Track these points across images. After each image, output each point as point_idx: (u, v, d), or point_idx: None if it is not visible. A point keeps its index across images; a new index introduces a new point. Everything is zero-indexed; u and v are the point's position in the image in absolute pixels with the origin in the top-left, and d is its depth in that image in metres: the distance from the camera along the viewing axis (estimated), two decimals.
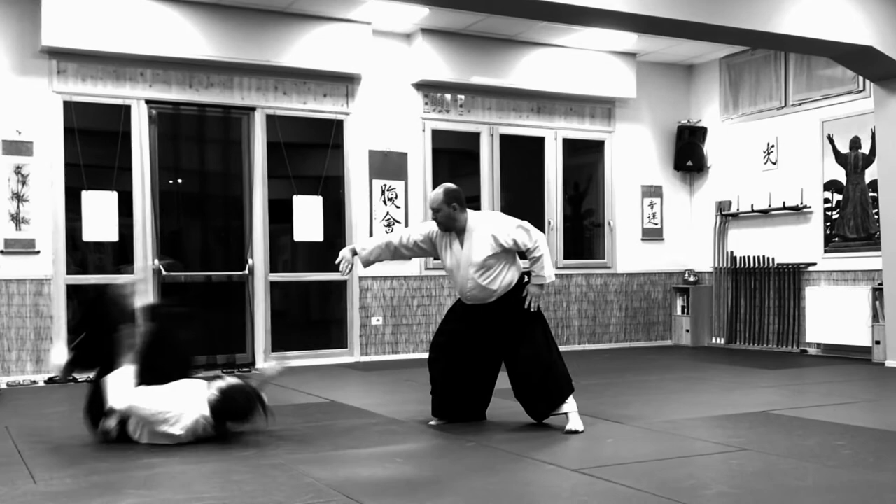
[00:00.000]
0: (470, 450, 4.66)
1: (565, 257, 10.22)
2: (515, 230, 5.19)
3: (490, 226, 5.23)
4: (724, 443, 4.75)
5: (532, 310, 5.23)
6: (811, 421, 5.39)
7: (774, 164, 9.91)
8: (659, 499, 3.59)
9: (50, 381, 7.66)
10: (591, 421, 5.36)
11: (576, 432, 5.06)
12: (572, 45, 9.80)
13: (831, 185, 9.30)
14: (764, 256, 9.98)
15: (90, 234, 7.97)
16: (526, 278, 5.28)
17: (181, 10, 8.09)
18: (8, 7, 7.74)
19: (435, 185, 9.42)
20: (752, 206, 10.09)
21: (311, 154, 9.19)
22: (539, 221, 10.11)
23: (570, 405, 5.20)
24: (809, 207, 9.48)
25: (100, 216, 7.98)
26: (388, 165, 9.29)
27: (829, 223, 9.31)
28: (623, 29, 7.83)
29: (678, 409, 5.90)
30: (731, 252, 10.39)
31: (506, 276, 5.23)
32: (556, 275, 9.48)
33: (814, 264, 9.45)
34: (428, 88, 9.50)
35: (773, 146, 9.92)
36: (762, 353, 9.59)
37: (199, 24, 8.17)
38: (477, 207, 9.70)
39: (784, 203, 9.68)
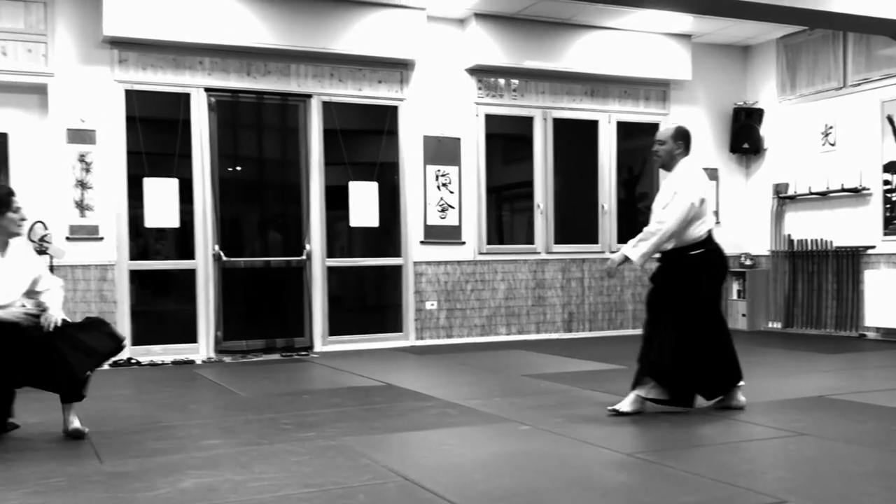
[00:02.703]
0: (524, 433, 4.70)
1: (619, 241, 10.18)
2: (672, 194, 5.08)
3: (672, 180, 5.18)
4: (782, 427, 4.73)
5: (606, 273, 5.26)
6: (870, 406, 5.34)
7: (832, 145, 9.76)
8: (716, 483, 3.60)
9: (115, 364, 7.86)
10: (646, 406, 5.35)
11: (617, 413, 5.09)
12: (626, 28, 9.73)
13: (891, 167, 9.13)
14: (822, 239, 9.85)
15: (152, 220, 8.14)
16: (696, 251, 5.09)
17: None
18: None
19: (489, 171, 9.56)
20: (809, 188, 9.95)
21: (366, 140, 9.27)
22: (592, 205, 10.10)
23: (642, 390, 5.15)
24: (868, 190, 9.33)
25: (161, 203, 8.14)
26: (442, 151, 9.33)
27: (888, 205, 9.16)
28: (679, 10, 7.77)
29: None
30: (789, 235, 10.27)
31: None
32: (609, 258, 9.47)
33: (873, 247, 9.31)
34: (481, 73, 9.51)
35: (831, 127, 9.78)
36: (820, 338, 9.49)
37: (257, 12, 8.27)
38: (530, 193, 9.73)
39: (842, 185, 9.54)
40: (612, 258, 5.25)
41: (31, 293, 4.85)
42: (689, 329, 5.08)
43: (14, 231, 4.76)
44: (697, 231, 5.10)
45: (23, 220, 4.80)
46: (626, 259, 5.17)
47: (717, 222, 10.57)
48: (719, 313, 5.26)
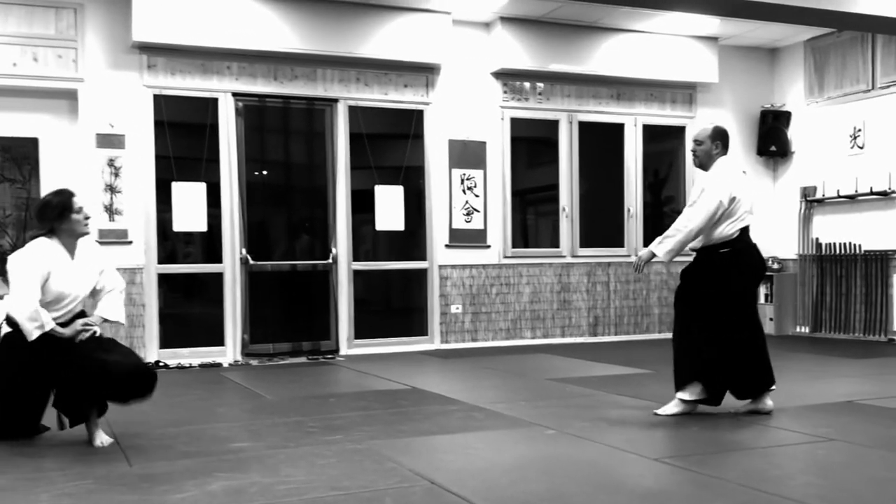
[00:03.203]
0: (550, 437, 4.70)
1: (645, 245, 10.13)
2: (700, 191, 5.11)
3: (704, 178, 5.21)
4: (810, 433, 4.70)
5: (634, 269, 5.35)
6: None
7: (861, 148, 9.69)
8: (744, 489, 3.58)
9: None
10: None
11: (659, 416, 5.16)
12: (653, 31, 9.71)
13: None
14: (850, 243, 9.78)
15: (180, 224, 8.20)
16: (725, 249, 5.12)
17: (266, 4, 8.26)
18: (100, 5, 7.99)
19: (514, 174, 9.56)
20: (837, 191, 9.88)
21: (392, 144, 9.30)
22: (618, 209, 10.08)
23: (685, 394, 5.19)
24: None
25: (189, 207, 8.21)
26: (468, 154, 9.35)
27: None
28: (706, 12, 7.75)
29: None
30: (816, 239, 10.19)
31: (705, 234, 5.13)
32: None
33: None
34: (507, 77, 9.52)
35: (859, 130, 9.70)
36: (848, 342, 9.41)
37: (284, 17, 8.32)
38: (556, 196, 9.72)
39: (871, 188, 9.47)
40: (640, 255, 5.29)
41: (92, 291, 4.92)
42: (720, 327, 5.09)
43: (81, 231, 4.82)
44: (728, 230, 5.10)
45: (87, 218, 4.84)
46: (653, 255, 5.20)
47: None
48: (753, 314, 5.23)
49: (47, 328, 4.60)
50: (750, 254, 5.20)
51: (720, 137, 5.29)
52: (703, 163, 5.30)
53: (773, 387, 5.25)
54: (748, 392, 5.23)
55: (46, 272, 4.66)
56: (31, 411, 4.89)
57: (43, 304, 4.64)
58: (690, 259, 5.35)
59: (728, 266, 5.11)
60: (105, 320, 4.91)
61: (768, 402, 5.23)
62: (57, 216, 4.74)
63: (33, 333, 4.59)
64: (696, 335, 5.13)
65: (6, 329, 4.81)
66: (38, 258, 4.67)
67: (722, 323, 5.10)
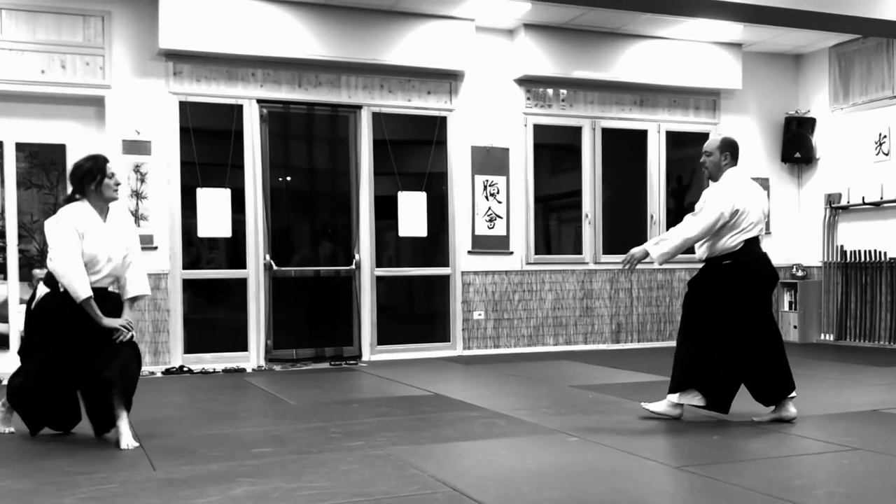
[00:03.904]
0: (573, 445, 4.70)
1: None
2: (703, 202, 5.20)
3: (711, 189, 5.28)
4: (835, 442, 4.67)
5: (622, 267, 5.35)
6: None
7: (887, 154, 9.62)
8: (767, 498, 3.57)
9: (167, 371, 7.99)
10: (697, 417, 5.33)
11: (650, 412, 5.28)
12: (676, 37, 9.69)
13: None
14: (876, 250, 9.71)
15: (205, 230, 8.27)
16: (727, 261, 5.18)
17: (291, 11, 8.31)
18: (127, 13, 8.08)
19: (537, 181, 9.56)
20: (863, 198, 9.82)
21: (415, 151, 9.32)
22: (641, 216, 10.05)
23: (671, 397, 5.26)
24: None
25: (214, 213, 8.27)
26: (491, 161, 9.36)
27: None
28: (730, 19, 7.72)
29: None
30: (841, 246, 10.13)
31: (709, 243, 5.21)
32: (660, 269, 9.44)
33: None
34: (530, 83, 9.53)
35: (885, 136, 9.64)
36: (874, 350, 9.34)
37: (308, 24, 8.38)
38: (578, 202, 9.72)
39: None
40: (634, 251, 5.30)
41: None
42: (724, 336, 5.13)
43: (110, 196, 4.95)
44: (731, 241, 5.15)
45: (118, 184, 5.00)
46: (647, 255, 5.26)
47: (768, 232, 10.49)
48: (765, 322, 5.23)
49: (87, 296, 4.70)
50: (755, 265, 5.20)
51: (729, 148, 5.32)
52: (713, 174, 5.36)
53: (793, 394, 5.23)
54: (768, 398, 5.23)
55: (80, 234, 4.79)
56: (63, 391, 4.95)
57: None
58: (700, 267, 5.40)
59: (732, 277, 5.16)
60: (135, 299, 5.05)
61: (791, 410, 5.21)
62: (89, 180, 4.90)
63: (80, 293, 4.70)
64: (698, 343, 5.20)
65: (43, 290, 4.89)
66: (72, 220, 4.81)
67: (726, 332, 5.14)
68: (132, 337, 4.91)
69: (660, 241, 5.22)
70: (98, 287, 4.85)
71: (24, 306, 7.28)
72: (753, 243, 5.20)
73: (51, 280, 4.85)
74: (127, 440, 4.73)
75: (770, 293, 5.35)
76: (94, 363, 4.78)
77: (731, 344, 5.14)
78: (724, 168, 5.30)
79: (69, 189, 5.03)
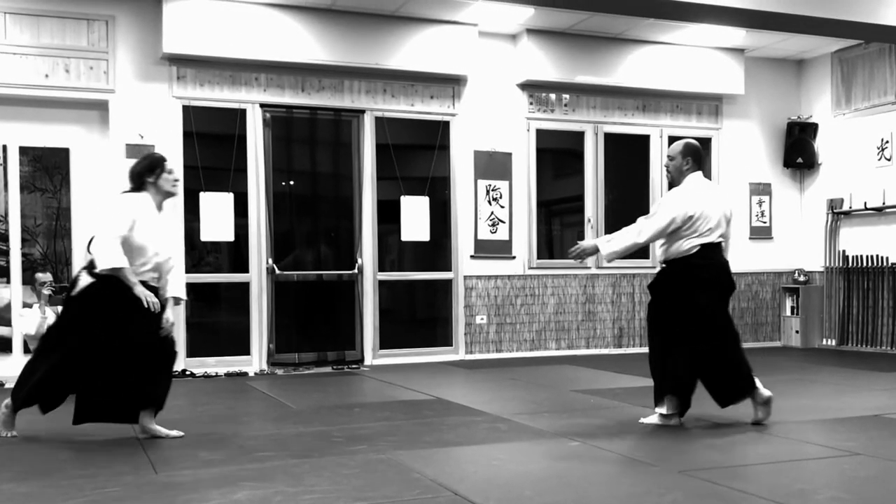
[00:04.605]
0: (574, 449, 4.70)
1: None
2: (658, 205, 5.33)
3: (669, 193, 5.40)
4: (836, 447, 4.67)
5: (571, 256, 5.42)
6: None
7: (889, 160, 9.62)
8: (769, 503, 3.57)
9: None
10: (697, 422, 5.34)
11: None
12: (678, 42, 9.70)
13: None
14: (878, 256, 9.71)
15: (207, 234, 8.28)
16: (681, 264, 5.25)
17: (294, 16, 8.33)
18: (131, 17, 8.10)
19: (539, 185, 9.57)
20: (865, 203, 9.82)
21: (418, 155, 9.34)
22: None
23: (658, 409, 5.30)
24: None
25: (216, 217, 8.28)
26: (493, 166, 9.37)
27: None
28: (732, 24, 7.73)
29: (787, 412, 5.80)
30: (843, 251, 10.13)
31: (666, 247, 5.31)
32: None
33: None
34: (533, 88, 9.55)
35: (887, 142, 9.64)
36: (875, 355, 9.33)
37: (311, 29, 8.39)
38: (581, 207, 9.72)
39: None
40: (584, 245, 5.39)
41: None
42: (682, 340, 5.18)
43: (169, 190, 5.10)
44: (686, 245, 5.22)
45: (176, 180, 5.16)
46: (597, 249, 5.34)
47: (771, 237, 10.50)
48: (721, 324, 5.26)
49: (121, 265, 4.78)
50: (709, 270, 5.23)
51: (691, 154, 5.37)
52: (675, 178, 5.41)
53: (756, 390, 5.24)
54: (724, 398, 5.27)
55: (133, 220, 4.88)
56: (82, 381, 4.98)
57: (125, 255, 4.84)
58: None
59: (684, 281, 5.22)
60: (178, 300, 5.21)
61: (763, 392, 5.26)
62: (149, 172, 5.04)
63: (105, 263, 4.78)
64: (663, 351, 5.26)
65: (86, 279, 4.93)
66: (129, 206, 4.95)
67: (684, 336, 5.18)
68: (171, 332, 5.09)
69: (611, 240, 5.32)
70: (142, 280, 4.91)
71: (27, 309, 7.35)
72: (711, 249, 5.25)
73: (94, 268, 4.90)
74: (167, 432, 5.02)
75: (726, 299, 5.37)
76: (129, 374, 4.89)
77: (690, 349, 5.17)
78: (686, 173, 5.36)
79: (128, 185, 5.12)
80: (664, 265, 5.36)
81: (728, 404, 5.29)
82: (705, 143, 10.27)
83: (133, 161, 5.22)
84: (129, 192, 5.07)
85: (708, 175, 10.22)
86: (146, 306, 4.83)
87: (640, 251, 9.88)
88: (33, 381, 4.97)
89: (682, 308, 5.19)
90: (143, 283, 4.91)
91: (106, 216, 4.99)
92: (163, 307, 5.03)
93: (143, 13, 8.12)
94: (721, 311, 5.29)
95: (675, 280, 5.26)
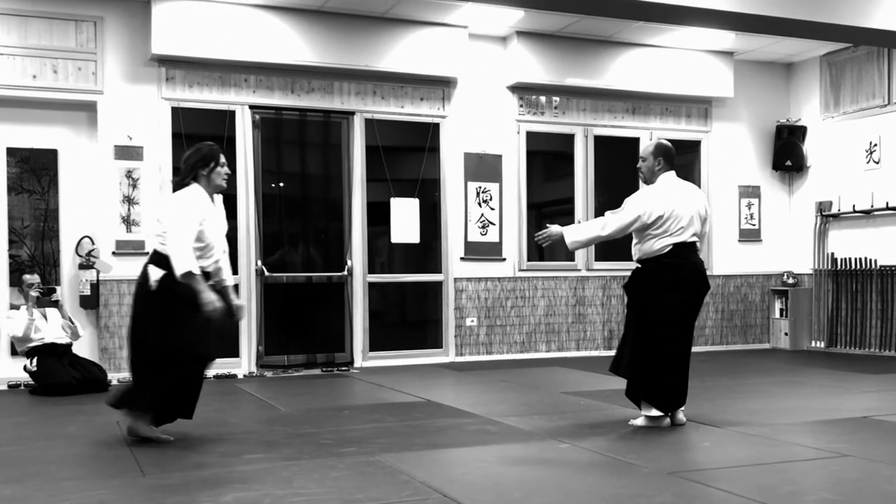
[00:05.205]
0: (564, 451, 4.70)
1: None
2: (625, 202, 5.36)
3: (638, 192, 5.45)
4: (824, 448, 4.68)
5: (536, 239, 5.44)
6: None
7: (877, 163, 9.66)
8: None
9: None
10: (687, 424, 5.34)
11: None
12: (668, 45, 9.73)
13: None
14: (866, 258, 9.74)
15: None
16: (652, 264, 5.28)
17: (283, 17, 8.32)
18: (120, 18, 8.07)
19: (529, 187, 9.58)
20: (853, 206, 9.85)
21: (408, 157, 9.33)
22: None
23: (644, 412, 5.32)
24: None
25: None
26: (483, 168, 9.37)
27: None
28: (722, 27, 7.75)
29: (776, 414, 5.83)
30: (832, 254, 10.16)
31: (639, 246, 5.34)
32: None
33: None
34: (523, 91, 9.55)
35: (875, 145, 9.68)
36: (863, 358, 9.37)
37: (301, 31, 8.38)
38: (571, 209, 9.73)
39: (887, 203, 9.43)
40: (551, 230, 5.40)
41: None
42: (651, 342, 5.21)
43: (220, 184, 5.09)
44: (657, 245, 5.25)
45: (228, 174, 5.13)
46: (563, 237, 5.36)
47: (761, 240, 10.53)
48: (683, 330, 5.29)
49: (196, 271, 4.74)
50: (680, 269, 5.24)
51: (663, 154, 5.40)
52: (647, 178, 5.45)
53: (682, 408, 5.34)
54: (669, 405, 5.30)
55: (201, 218, 4.87)
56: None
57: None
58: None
59: (655, 281, 5.24)
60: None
61: (680, 416, 5.32)
62: (203, 165, 5.01)
63: (181, 268, 4.72)
64: (636, 354, 5.28)
65: (157, 273, 4.85)
66: (198, 203, 4.90)
67: (652, 338, 5.21)
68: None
69: (577, 230, 5.38)
70: (205, 271, 4.93)
71: (14, 311, 7.32)
72: (684, 248, 5.26)
73: (162, 260, 4.84)
74: (158, 434, 5.05)
75: (698, 300, 5.37)
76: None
77: (657, 351, 5.20)
78: (658, 173, 5.38)
79: (180, 174, 5.09)
80: (638, 265, 5.38)
81: (669, 411, 5.30)
82: (695, 145, 10.29)
83: (186, 153, 5.12)
84: (179, 183, 5.02)
85: (697, 177, 10.33)
86: (209, 310, 4.78)
87: (629, 253, 10.01)
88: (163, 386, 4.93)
89: (647, 307, 5.23)
90: (205, 274, 4.90)
91: (173, 217, 4.83)
92: (225, 294, 5.04)
93: (132, 14, 8.09)
94: (686, 314, 5.29)
95: (645, 280, 5.29)
